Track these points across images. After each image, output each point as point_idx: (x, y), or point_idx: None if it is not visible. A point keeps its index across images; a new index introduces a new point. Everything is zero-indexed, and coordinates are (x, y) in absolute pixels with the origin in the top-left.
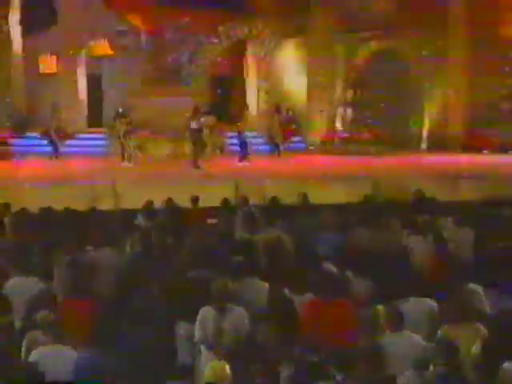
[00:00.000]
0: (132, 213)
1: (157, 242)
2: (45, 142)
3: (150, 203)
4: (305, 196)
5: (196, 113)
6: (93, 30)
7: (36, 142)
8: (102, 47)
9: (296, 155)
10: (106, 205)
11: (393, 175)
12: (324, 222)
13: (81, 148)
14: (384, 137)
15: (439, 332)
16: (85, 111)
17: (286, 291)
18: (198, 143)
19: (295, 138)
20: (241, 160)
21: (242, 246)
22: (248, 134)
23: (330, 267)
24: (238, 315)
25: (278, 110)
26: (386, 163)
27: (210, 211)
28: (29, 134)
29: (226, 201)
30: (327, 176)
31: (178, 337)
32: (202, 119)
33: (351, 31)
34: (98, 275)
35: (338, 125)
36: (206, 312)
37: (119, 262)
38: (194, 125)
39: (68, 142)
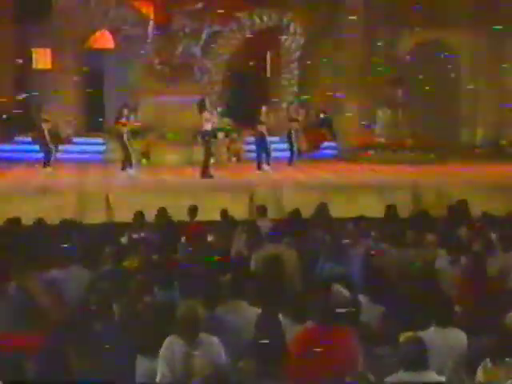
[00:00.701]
0: (123, 226)
1: (139, 260)
2: (36, 147)
3: (138, 215)
4: (324, 207)
5: (201, 108)
6: (93, 19)
7: (26, 147)
8: (104, 39)
9: (318, 164)
10: (97, 218)
11: (438, 187)
12: (341, 237)
13: (77, 154)
14: (429, 143)
15: (479, 371)
16: (83, 112)
17: (283, 319)
18: (210, 148)
19: (327, 144)
20: (260, 167)
21: (234, 264)
22: (271, 138)
23: (340, 290)
24: (211, 347)
25: (296, 111)
26: (431, 173)
27: (213, 225)
28: (18, 138)
29: (224, 213)
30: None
31: (137, 375)
32: (208, 114)
33: (390, 20)
34: (53, 300)
35: (376, 129)
36: (172, 343)
37: (82, 282)
38: (206, 126)
39: (62, 147)
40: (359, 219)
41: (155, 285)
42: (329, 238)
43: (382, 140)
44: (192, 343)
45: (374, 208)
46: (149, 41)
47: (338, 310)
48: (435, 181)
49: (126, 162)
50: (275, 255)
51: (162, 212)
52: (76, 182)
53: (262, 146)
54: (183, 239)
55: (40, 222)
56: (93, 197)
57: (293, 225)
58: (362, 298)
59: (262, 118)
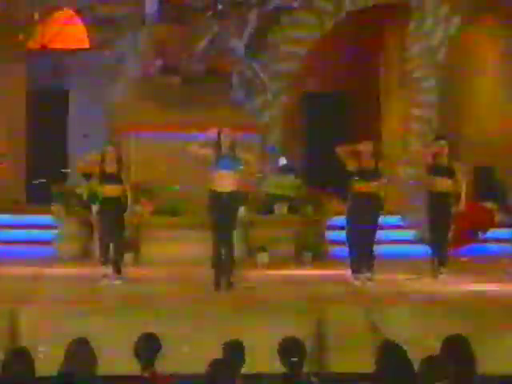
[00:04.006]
0: None
1: None
2: None
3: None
4: (461, 344)
5: (227, 144)
6: None
7: None
8: (70, 31)
9: (473, 265)
10: None
11: None
12: None
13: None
14: None
15: None
16: (24, 167)
17: None
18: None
19: (493, 231)
20: (356, 274)
21: None
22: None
23: None
24: None
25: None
26: None
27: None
28: None
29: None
30: None
31: None
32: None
33: None
34: None
35: None
36: None
37: None
38: (222, 183)
39: None
40: None
41: None
42: None
43: None
44: None
45: None
46: (146, 27)
47: None
48: None
49: (105, 257)
50: None
51: (75, 347)
52: None
53: (366, 234)
54: None
55: None
56: None
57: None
58: None
59: (365, 161)
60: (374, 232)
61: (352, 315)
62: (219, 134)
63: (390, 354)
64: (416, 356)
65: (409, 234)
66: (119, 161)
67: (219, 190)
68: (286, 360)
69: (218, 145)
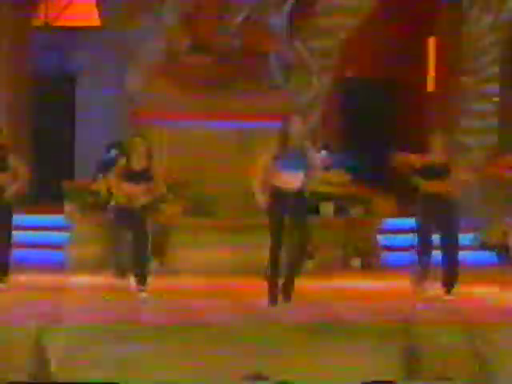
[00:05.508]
0: None
1: None
2: None
3: None
4: None
5: (295, 136)
6: None
7: None
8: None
9: None
10: None
11: None
12: None
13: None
14: None
15: None
16: (29, 162)
17: None
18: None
19: None
20: (420, 283)
21: None
22: None
23: None
24: None
25: None
26: None
27: None
28: None
29: None
30: None
31: None
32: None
33: None
34: None
35: None
36: None
37: None
38: (279, 181)
39: None
40: None
41: None
42: None
43: None
44: None
45: None
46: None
47: None
48: None
49: (117, 265)
50: None
51: None
52: None
53: (445, 238)
54: None
55: None
56: None
57: None
58: None
59: (434, 156)
60: (452, 238)
61: (446, 338)
62: (286, 123)
63: None
64: None
65: (466, 237)
66: (150, 156)
67: (284, 187)
68: None
69: (283, 137)
